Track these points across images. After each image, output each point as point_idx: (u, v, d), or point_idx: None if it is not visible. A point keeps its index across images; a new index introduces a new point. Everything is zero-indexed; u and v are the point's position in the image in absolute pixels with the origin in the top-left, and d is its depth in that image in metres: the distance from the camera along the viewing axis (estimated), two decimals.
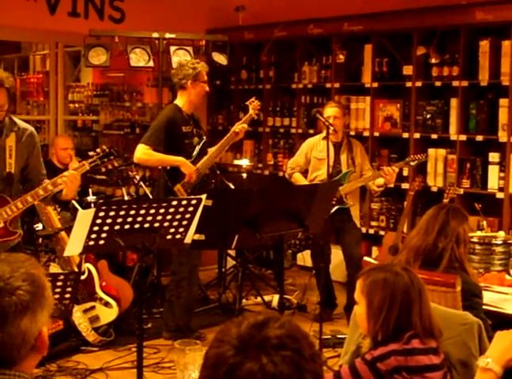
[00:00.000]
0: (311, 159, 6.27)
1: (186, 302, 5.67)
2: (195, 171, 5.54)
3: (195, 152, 5.63)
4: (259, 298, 6.79)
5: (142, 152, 5.51)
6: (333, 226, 5.90)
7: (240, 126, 5.72)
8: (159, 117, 5.71)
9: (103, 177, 7.57)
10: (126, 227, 3.61)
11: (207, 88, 5.74)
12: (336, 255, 6.55)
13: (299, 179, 6.28)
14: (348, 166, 6.18)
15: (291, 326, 1.45)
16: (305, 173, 6.38)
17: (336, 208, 6.01)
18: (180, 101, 5.68)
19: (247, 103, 5.92)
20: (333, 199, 5.86)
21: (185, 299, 5.65)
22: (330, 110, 6.11)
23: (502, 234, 5.64)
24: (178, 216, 3.76)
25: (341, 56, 7.46)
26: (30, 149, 4.19)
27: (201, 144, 5.68)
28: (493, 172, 6.50)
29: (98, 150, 4.16)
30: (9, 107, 4.06)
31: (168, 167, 5.60)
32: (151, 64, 6.99)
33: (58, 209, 5.77)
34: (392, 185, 6.63)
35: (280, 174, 8.14)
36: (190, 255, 5.55)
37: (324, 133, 6.08)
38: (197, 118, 5.83)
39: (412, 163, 6.16)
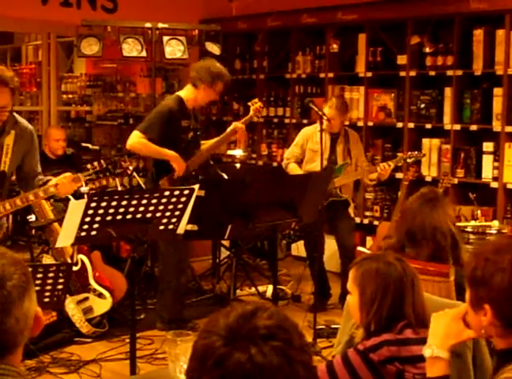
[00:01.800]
0: (306, 151, 6.24)
1: (175, 293, 5.65)
2: (184, 167, 5.49)
3: (185, 145, 5.57)
4: (253, 289, 6.78)
5: (136, 141, 5.43)
6: (326, 215, 5.89)
7: (240, 125, 5.68)
8: (160, 107, 5.60)
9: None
10: (118, 217, 3.60)
11: (217, 98, 5.67)
12: (331, 245, 6.54)
13: (294, 170, 6.24)
14: (344, 158, 6.15)
15: (280, 316, 1.44)
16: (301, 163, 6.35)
17: (330, 199, 6.00)
18: (185, 94, 5.57)
19: (249, 103, 5.82)
20: (328, 192, 5.87)
21: (174, 290, 5.63)
22: (327, 111, 5.94)
23: (496, 223, 5.65)
24: (170, 207, 3.74)
25: (335, 46, 7.44)
26: (27, 147, 4.14)
27: (192, 137, 5.63)
28: (487, 162, 6.50)
29: (95, 164, 4.11)
30: (12, 107, 4.00)
31: (157, 160, 5.55)
32: (144, 54, 6.95)
33: (51, 200, 5.74)
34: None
35: (274, 164, 8.12)
36: (175, 245, 5.49)
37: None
38: (197, 112, 5.75)
39: (408, 160, 6.15)
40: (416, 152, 6.17)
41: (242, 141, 5.68)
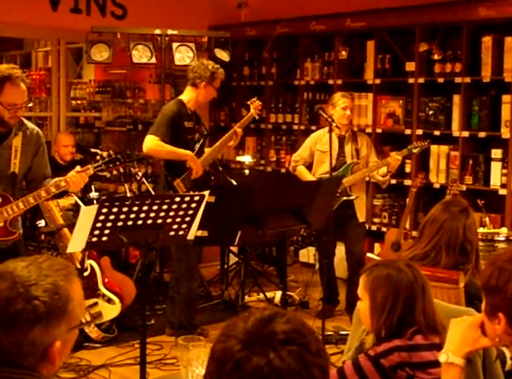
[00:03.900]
0: (315, 153, 6.24)
1: (186, 299, 5.67)
2: (201, 166, 5.55)
3: (196, 148, 5.64)
4: (261, 295, 6.79)
5: (153, 143, 5.48)
6: (336, 221, 5.89)
7: (239, 130, 5.75)
8: (164, 110, 5.68)
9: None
10: (129, 223, 3.61)
11: (215, 95, 5.75)
12: (339, 251, 6.54)
13: (303, 172, 6.25)
14: (352, 158, 6.14)
15: (297, 321, 1.46)
16: (309, 167, 6.34)
17: (342, 200, 6.00)
18: (186, 97, 5.67)
19: (248, 102, 5.92)
20: (338, 192, 5.88)
21: (185, 296, 5.65)
22: (347, 101, 6.11)
23: (504, 230, 5.64)
24: (180, 213, 3.76)
25: (344, 52, 7.45)
26: (36, 149, 4.15)
27: (201, 140, 5.69)
28: (495, 169, 6.50)
29: (104, 154, 4.10)
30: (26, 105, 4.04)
31: (169, 162, 5.59)
32: (153, 60, 6.98)
33: (60, 205, 5.74)
34: (394, 182, 6.61)
35: (283, 170, 8.13)
36: (187, 252, 5.54)
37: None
38: (199, 115, 5.83)
39: (414, 151, 6.07)
40: (421, 142, 6.13)
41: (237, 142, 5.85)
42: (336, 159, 6.07)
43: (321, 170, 6.13)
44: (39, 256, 1.82)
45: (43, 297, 1.70)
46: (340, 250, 6.50)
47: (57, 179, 4.05)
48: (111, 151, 4.14)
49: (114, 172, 4.15)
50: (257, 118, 6.02)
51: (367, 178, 6.36)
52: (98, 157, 4.10)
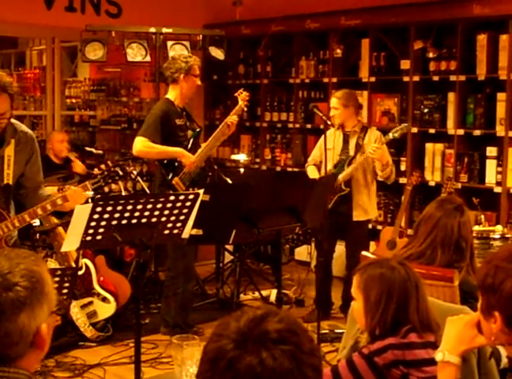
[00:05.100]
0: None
1: (182, 299, 5.66)
2: (193, 163, 5.54)
3: (190, 145, 5.63)
4: (257, 293, 6.78)
5: (142, 145, 5.48)
6: (335, 219, 5.85)
7: (232, 118, 5.73)
8: (152, 110, 5.69)
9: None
10: (124, 222, 3.60)
11: (199, 82, 5.75)
12: (338, 249, 6.50)
13: (311, 172, 6.18)
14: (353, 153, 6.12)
15: (290, 320, 1.46)
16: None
17: (337, 196, 5.97)
18: (172, 95, 5.67)
19: (236, 94, 5.91)
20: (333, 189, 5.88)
21: (181, 296, 5.64)
22: (331, 101, 6.16)
23: (499, 228, 5.65)
24: (175, 211, 3.75)
25: (339, 51, 7.44)
26: (29, 155, 3.98)
27: (194, 136, 5.68)
28: (491, 166, 6.50)
29: (102, 166, 3.97)
30: (10, 115, 3.79)
31: (165, 161, 5.59)
32: (148, 59, 6.98)
33: None
34: (390, 181, 6.54)
35: (278, 168, 8.14)
36: (184, 251, 5.54)
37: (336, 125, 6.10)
38: (189, 111, 5.82)
39: (395, 135, 5.93)
40: (400, 126, 6.03)
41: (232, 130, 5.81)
42: (340, 155, 6.06)
43: (328, 168, 6.07)
44: (3, 249, 1.84)
45: (22, 282, 1.73)
46: (338, 248, 6.48)
47: (53, 195, 3.94)
48: (109, 162, 4.03)
49: (114, 186, 4.02)
50: (245, 109, 6.00)
51: (380, 178, 6.25)
52: (96, 170, 3.98)
